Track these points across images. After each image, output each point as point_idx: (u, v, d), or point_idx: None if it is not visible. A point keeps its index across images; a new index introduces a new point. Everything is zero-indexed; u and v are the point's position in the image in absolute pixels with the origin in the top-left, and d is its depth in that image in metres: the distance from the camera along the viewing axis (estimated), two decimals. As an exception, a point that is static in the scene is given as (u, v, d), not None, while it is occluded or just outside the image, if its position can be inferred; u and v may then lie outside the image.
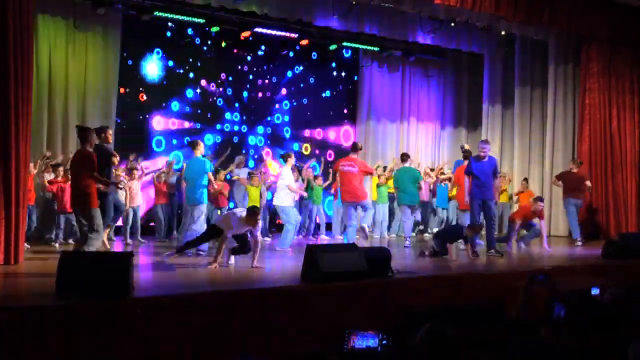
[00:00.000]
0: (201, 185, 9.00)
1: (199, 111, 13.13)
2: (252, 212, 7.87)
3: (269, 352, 5.49)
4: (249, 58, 13.70)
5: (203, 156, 9.29)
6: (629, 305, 4.60)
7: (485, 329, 5.19)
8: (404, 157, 11.58)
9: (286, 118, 14.25)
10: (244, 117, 13.70)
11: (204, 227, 8.87)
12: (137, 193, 10.75)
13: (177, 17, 11.95)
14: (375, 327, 5.28)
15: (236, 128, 13.61)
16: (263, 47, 13.75)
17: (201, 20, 12.13)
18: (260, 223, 8.05)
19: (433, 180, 13.18)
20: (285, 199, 10.09)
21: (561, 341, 3.82)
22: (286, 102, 14.25)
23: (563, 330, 3.98)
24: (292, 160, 10.33)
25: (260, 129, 13.91)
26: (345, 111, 15.08)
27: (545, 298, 4.89)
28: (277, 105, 14.17)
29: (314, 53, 14.38)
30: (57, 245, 9.74)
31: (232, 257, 8.08)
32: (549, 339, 3.84)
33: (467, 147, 11.88)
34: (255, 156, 13.79)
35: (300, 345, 5.72)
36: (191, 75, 13.02)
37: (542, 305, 4.79)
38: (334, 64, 14.85)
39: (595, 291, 5.93)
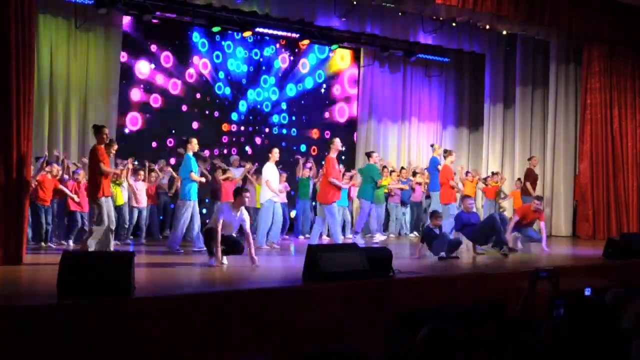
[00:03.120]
0: (188, 182, 9.34)
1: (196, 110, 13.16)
2: (237, 192, 7.93)
3: (269, 352, 5.49)
4: (246, 57, 13.68)
5: (194, 154, 9.55)
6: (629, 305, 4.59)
7: (485, 329, 5.19)
8: (368, 154, 11.63)
9: (285, 120, 14.23)
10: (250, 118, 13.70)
11: (187, 223, 9.26)
12: (142, 194, 10.75)
13: (178, 17, 11.96)
14: (375, 327, 5.28)
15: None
16: (262, 48, 13.75)
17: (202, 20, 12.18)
18: (246, 211, 8.06)
19: (388, 183, 12.81)
20: (265, 194, 10.20)
21: (561, 341, 3.82)
22: (285, 102, 14.23)
23: (563, 330, 3.98)
24: (275, 156, 10.32)
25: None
26: (345, 111, 15.07)
27: (546, 297, 4.88)
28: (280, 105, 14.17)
29: (314, 53, 14.36)
30: (68, 243, 9.66)
31: (224, 258, 7.93)
32: (549, 339, 3.84)
33: (437, 146, 11.96)
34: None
35: (300, 345, 5.72)
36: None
37: (543, 305, 4.79)
38: (334, 64, 14.82)
39: (587, 292, 5.90)
